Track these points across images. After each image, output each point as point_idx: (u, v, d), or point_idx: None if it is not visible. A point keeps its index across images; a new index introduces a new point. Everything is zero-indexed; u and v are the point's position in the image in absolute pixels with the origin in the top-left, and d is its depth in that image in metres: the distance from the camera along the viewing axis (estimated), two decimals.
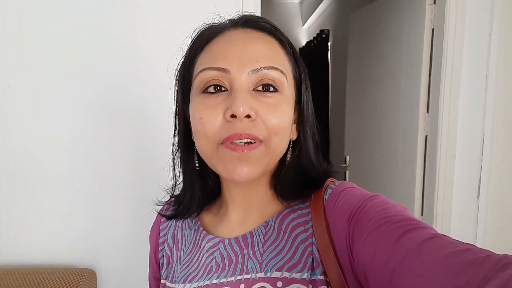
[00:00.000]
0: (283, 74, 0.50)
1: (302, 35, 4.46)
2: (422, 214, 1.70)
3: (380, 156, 2.06)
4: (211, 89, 0.49)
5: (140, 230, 1.39)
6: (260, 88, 0.49)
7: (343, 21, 2.93)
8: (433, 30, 1.60)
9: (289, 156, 0.55)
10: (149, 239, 0.66)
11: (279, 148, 0.51)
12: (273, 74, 0.49)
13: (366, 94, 2.21)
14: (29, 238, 1.34)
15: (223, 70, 0.48)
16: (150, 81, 1.33)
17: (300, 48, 4.40)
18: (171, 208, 0.62)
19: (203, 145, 0.50)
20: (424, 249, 0.37)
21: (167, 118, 1.34)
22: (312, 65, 3.83)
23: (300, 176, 0.55)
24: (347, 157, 2.38)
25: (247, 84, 0.48)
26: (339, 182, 0.54)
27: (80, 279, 1.26)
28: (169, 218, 0.61)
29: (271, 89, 0.50)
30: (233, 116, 0.46)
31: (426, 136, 1.68)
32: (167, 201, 0.64)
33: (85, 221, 1.37)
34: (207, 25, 0.55)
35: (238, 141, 0.47)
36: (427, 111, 1.67)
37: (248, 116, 0.47)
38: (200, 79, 0.50)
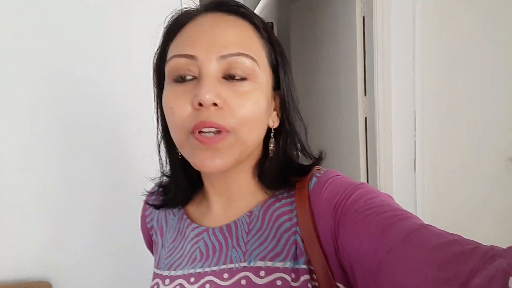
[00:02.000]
0: (254, 61, 0.48)
1: None
2: None
3: (327, 138, 2.16)
4: (180, 78, 0.48)
5: (99, 240, 1.37)
6: (228, 76, 0.47)
7: (285, 13, 3.02)
8: (364, 18, 1.71)
9: (271, 145, 0.54)
10: (140, 227, 0.67)
11: (250, 138, 0.49)
12: (243, 60, 0.47)
13: (310, 83, 2.31)
14: None
15: (191, 57, 0.47)
16: (107, 81, 1.31)
17: None
18: (160, 198, 0.61)
19: (175, 135, 0.50)
20: (411, 239, 0.36)
21: (130, 124, 1.31)
22: None
23: (286, 165, 0.54)
24: None
25: (215, 71, 0.47)
26: (324, 170, 0.53)
27: None
28: (157, 207, 0.61)
29: (239, 77, 0.47)
30: (200, 104, 0.45)
31: (365, 118, 1.79)
32: (152, 190, 0.64)
33: (40, 232, 1.31)
34: (179, 11, 0.53)
35: (207, 130, 0.46)
36: (365, 94, 1.78)
37: (215, 104, 0.45)
38: (169, 67, 0.49)
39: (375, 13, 1.62)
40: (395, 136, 1.69)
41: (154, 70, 0.55)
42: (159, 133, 0.57)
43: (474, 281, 0.30)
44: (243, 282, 0.48)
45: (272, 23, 3.57)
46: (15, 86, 1.25)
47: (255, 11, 3.93)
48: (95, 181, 1.35)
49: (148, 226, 0.65)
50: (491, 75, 1.68)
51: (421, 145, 1.71)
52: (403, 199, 1.71)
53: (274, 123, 0.54)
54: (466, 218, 1.69)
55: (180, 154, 0.54)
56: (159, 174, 0.61)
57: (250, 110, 0.47)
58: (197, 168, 0.48)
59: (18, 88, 1.25)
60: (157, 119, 0.57)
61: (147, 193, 0.65)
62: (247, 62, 0.48)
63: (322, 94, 2.17)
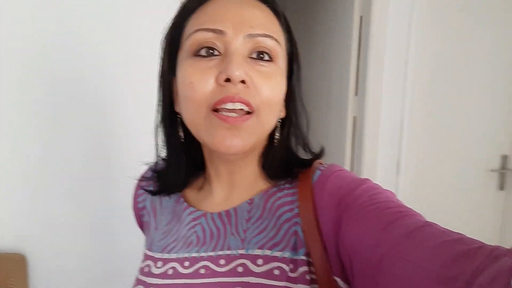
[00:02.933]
0: (279, 44, 0.49)
1: None
2: None
3: (314, 135, 2.16)
4: (203, 52, 0.46)
5: (76, 214, 1.34)
6: (254, 55, 0.47)
7: (282, 8, 3.01)
8: (361, 17, 1.72)
9: (277, 135, 0.53)
10: (131, 206, 0.65)
11: (268, 122, 0.49)
12: (269, 42, 0.47)
13: (303, 81, 2.31)
14: None
15: (219, 31, 0.46)
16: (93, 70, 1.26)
17: None
18: (156, 184, 0.59)
19: (191, 112, 0.47)
20: (415, 236, 0.36)
21: (115, 109, 1.27)
22: None
23: (290, 156, 0.54)
24: None
25: (243, 49, 0.46)
26: (328, 164, 0.53)
27: (7, 265, 1.18)
28: (153, 194, 0.59)
29: (266, 57, 0.47)
30: (227, 80, 0.44)
31: (354, 117, 1.81)
32: (146, 174, 0.62)
33: (16, 204, 1.27)
34: None
35: (232, 106, 0.44)
36: (356, 94, 1.80)
37: (243, 81, 0.44)
38: (193, 40, 0.47)
39: (373, 13, 1.63)
40: (382, 137, 1.72)
41: (166, 41, 0.53)
42: (160, 111, 0.55)
43: (478, 279, 0.30)
44: (240, 269, 0.47)
45: None
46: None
47: None
48: (76, 154, 1.31)
49: (139, 206, 0.63)
50: (480, 87, 1.73)
51: (406, 149, 1.74)
52: None
53: (281, 112, 0.53)
54: (445, 225, 1.72)
55: (182, 138, 0.53)
56: (153, 157, 0.58)
57: (274, 92, 0.47)
58: (213, 147, 0.47)
59: (4, 60, 1.20)
60: (161, 96, 0.54)
61: (141, 177, 0.64)
62: (273, 44, 0.48)
63: (313, 90, 2.18)
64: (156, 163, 0.60)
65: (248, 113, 0.46)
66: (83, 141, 1.32)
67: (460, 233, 0.36)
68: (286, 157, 0.54)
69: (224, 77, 0.44)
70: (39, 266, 1.31)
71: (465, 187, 1.77)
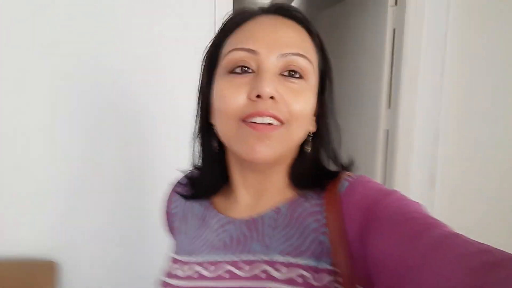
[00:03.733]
0: (310, 63, 0.51)
1: None
2: None
3: (344, 150, 2.14)
4: (238, 70, 0.50)
5: (108, 225, 1.37)
6: (286, 73, 0.50)
7: (313, 20, 3.01)
8: (394, 30, 1.69)
9: (309, 148, 0.55)
10: (163, 210, 0.68)
11: (297, 134, 0.51)
12: (301, 61, 0.50)
13: (334, 96, 2.28)
14: None
15: (252, 51, 0.49)
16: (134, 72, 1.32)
17: None
18: (190, 190, 0.62)
19: (223, 123, 0.50)
20: (442, 248, 0.36)
21: (151, 118, 1.32)
22: None
23: (318, 168, 0.56)
24: None
25: (274, 67, 0.49)
26: (357, 175, 0.54)
27: (38, 271, 1.21)
28: (186, 198, 0.62)
29: (297, 75, 0.50)
30: (258, 96, 0.47)
31: (386, 130, 1.77)
32: (181, 181, 0.65)
33: (50, 213, 1.32)
34: (240, 10, 0.55)
35: (261, 120, 0.47)
36: (389, 106, 1.76)
37: (272, 97, 0.47)
38: (228, 59, 0.50)
39: (407, 26, 1.60)
40: (416, 151, 1.66)
41: (206, 59, 0.57)
42: (198, 123, 0.58)
43: None
44: (263, 275, 0.48)
45: None
46: (41, 65, 1.27)
47: None
48: (110, 166, 1.35)
49: (173, 211, 0.66)
50: None
51: (441, 162, 1.67)
52: None
53: (312, 127, 0.55)
54: (484, 241, 1.63)
55: (217, 148, 0.56)
56: (189, 166, 0.62)
57: (303, 107, 0.49)
58: (244, 156, 0.49)
59: (44, 68, 1.27)
60: (198, 109, 0.58)
61: (176, 183, 0.67)
62: (304, 63, 0.50)
63: (344, 103, 2.15)
64: (192, 170, 0.63)
65: (277, 125, 0.48)
66: (118, 152, 1.36)
67: (488, 245, 0.36)
68: (315, 169, 0.55)
69: (255, 93, 0.47)
70: (70, 274, 1.34)
71: (508, 201, 1.68)
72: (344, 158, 0.56)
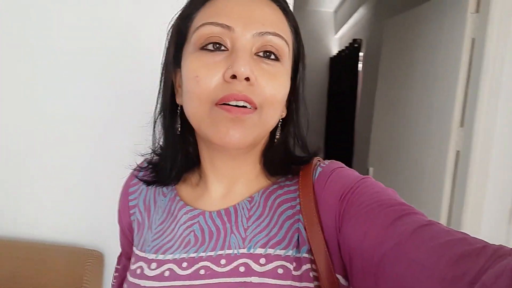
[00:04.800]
0: (287, 44, 0.48)
1: (334, 44, 4.40)
2: None
3: (406, 170, 1.96)
4: (210, 47, 0.46)
5: None
6: (261, 53, 0.47)
7: (377, 30, 2.86)
8: (473, 40, 1.51)
9: (278, 134, 0.54)
10: (118, 202, 0.63)
11: (270, 120, 0.48)
12: (277, 41, 0.47)
13: (396, 105, 2.12)
14: (38, 214, 1.34)
15: (227, 27, 0.45)
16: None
17: (330, 58, 4.33)
18: (151, 175, 0.58)
19: (194, 106, 0.46)
20: (419, 235, 0.36)
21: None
22: (342, 74, 3.76)
23: (290, 154, 0.54)
24: (370, 169, 2.30)
25: (250, 46, 0.46)
26: (328, 161, 0.53)
27: (87, 259, 1.24)
28: (148, 183, 0.57)
29: (273, 56, 0.47)
30: (233, 77, 0.44)
31: (458, 151, 1.58)
32: (142, 165, 0.60)
33: (97, 204, 1.35)
34: None
35: (235, 103, 0.44)
36: (461, 125, 1.57)
37: (247, 79, 0.44)
38: (199, 34, 0.46)
39: (489, 36, 1.41)
40: (492, 178, 1.46)
41: (173, 32, 0.52)
42: (161, 102, 0.54)
43: (482, 279, 0.29)
44: (242, 269, 0.46)
45: (360, 39, 3.43)
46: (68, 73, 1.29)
47: (343, 27, 3.82)
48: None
49: (130, 204, 0.60)
50: None
51: None
52: None
53: (283, 113, 0.53)
54: None
55: (178, 130, 0.53)
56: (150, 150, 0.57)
57: (278, 91, 0.47)
58: (216, 141, 0.45)
59: (77, 83, 1.29)
60: (163, 87, 0.53)
61: (136, 167, 0.61)
62: (281, 43, 0.47)
63: (408, 118, 1.97)
64: (153, 154, 0.58)
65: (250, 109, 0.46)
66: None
67: (464, 233, 0.36)
68: (285, 155, 0.54)
69: (230, 73, 0.44)
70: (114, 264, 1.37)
71: None
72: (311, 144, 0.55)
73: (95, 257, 1.27)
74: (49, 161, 1.32)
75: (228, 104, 0.44)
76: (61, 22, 1.26)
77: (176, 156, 0.54)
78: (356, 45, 3.44)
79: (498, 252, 0.31)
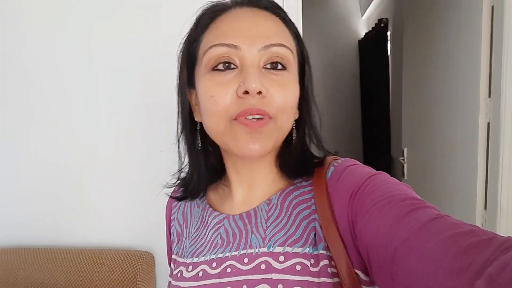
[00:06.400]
0: (291, 52, 0.51)
1: (361, 27, 4.31)
2: (485, 208, 1.56)
3: (439, 147, 1.93)
4: (221, 67, 0.50)
5: None
6: (269, 66, 0.50)
7: (400, 7, 2.79)
8: (492, 7, 1.46)
9: (294, 135, 0.56)
10: (164, 218, 0.71)
11: (286, 125, 0.52)
12: (282, 51, 0.50)
13: (423, 82, 2.08)
14: (93, 221, 1.48)
15: (234, 46, 0.48)
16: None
17: (359, 40, 4.26)
18: (180, 190, 0.65)
19: (214, 123, 0.50)
20: (428, 229, 0.36)
21: None
22: (372, 56, 3.69)
23: (305, 154, 0.57)
24: (405, 150, 2.27)
25: (258, 60, 0.49)
26: (342, 159, 0.55)
27: (139, 260, 1.36)
28: (179, 199, 0.65)
29: (280, 66, 0.50)
30: (245, 92, 0.47)
31: (488, 123, 1.54)
32: (175, 183, 0.66)
33: (145, 206, 1.46)
34: (211, 3, 0.55)
35: (251, 117, 0.48)
36: (489, 96, 1.53)
37: (259, 92, 0.47)
38: (209, 56, 0.50)
39: (507, 2, 1.37)
40: None
41: (183, 56, 0.56)
42: (181, 121, 0.59)
43: (488, 270, 0.30)
44: (263, 266, 0.50)
45: (387, 18, 3.35)
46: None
47: (369, 7, 3.74)
48: None
49: (171, 217, 0.68)
50: None
51: None
52: None
53: (296, 114, 0.56)
54: None
55: (199, 145, 0.58)
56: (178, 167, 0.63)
57: (289, 99, 0.50)
58: (237, 152, 0.50)
59: (122, 93, 1.41)
60: (180, 107, 0.58)
61: (170, 186, 0.68)
62: (286, 52, 0.50)
63: (436, 94, 1.94)
64: (181, 171, 0.64)
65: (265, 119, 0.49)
66: None
67: (473, 225, 0.36)
68: (302, 156, 0.56)
69: (242, 89, 0.47)
70: (165, 265, 1.47)
71: None
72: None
73: (146, 258, 1.38)
74: (101, 174, 1.46)
75: (246, 118, 0.48)
76: (101, 38, 1.39)
77: (200, 169, 0.59)
78: (382, 25, 3.37)
79: (505, 244, 0.32)
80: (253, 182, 0.57)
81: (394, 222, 0.39)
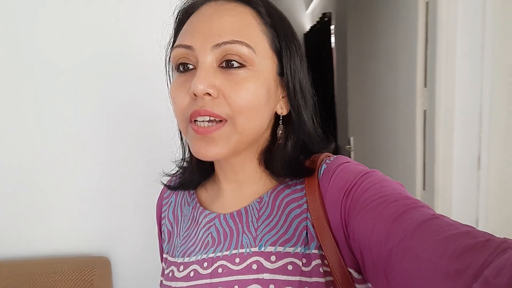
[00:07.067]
0: (250, 48, 0.47)
1: (306, 20, 4.43)
2: (424, 189, 1.70)
3: (382, 134, 2.06)
4: (181, 68, 0.50)
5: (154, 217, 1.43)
6: (224, 64, 0.47)
7: (344, 1, 2.92)
8: (427, 3, 1.59)
9: (280, 132, 0.54)
10: (155, 214, 0.70)
11: (248, 127, 0.48)
12: (238, 48, 0.47)
13: (366, 74, 2.21)
14: (42, 230, 1.38)
15: (188, 47, 0.48)
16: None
17: (304, 34, 4.38)
18: (178, 179, 0.64)
19: (179, 124, 0.52)
20: (423, 230, 0.36)
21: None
22: (317, 49, 3.82)
23: (294, 152, 0.54)
24: (351, 138, 2.40)
25: (210, 60, 0.47)
26: (334, 156, 0.53)
27: (94, 266, 1.30)
28: (173, 188, 0.63)
29: (236, 64, 0.47)
30: (194, 94, 0.46)
31: (424, 111, 1.68)
32: (175, 173, 0.65)
33: (99, 210, 1.40)
34: (186, 2, 0.54)
35: (201, 119, 0.47)
36: (425, 86, 1.66)
37: (208, 94, 0.46)
38: (172, 57, 0.51)
39: None
40: (457, 132, 1.56)
41: (167, 59, 0.57)
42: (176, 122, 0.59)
43: (485, 272, 0.29)
44: (254, 266, 0.49)
45: (330, 12, 3.48)
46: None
47: (314, 1, 3.84)
48: (155, 160, 1.41)
49: (162, 215, 0.67)
50: None
51: (487, 142, 1.55)
52: (462, 200, 1.58)
53: (283, 110, 0.54)
54: None
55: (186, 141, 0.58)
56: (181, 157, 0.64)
57: (246, 99, 0.47)
58: (195, 156, 0.49)
59: (78, 88, 1.34)
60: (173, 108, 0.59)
61: (168, 175, 0.67)
62: (242, 49, 0.47)
63: (378, 85, 2.06)
64: (182, 161, 0.64)
65: (221, 121, 0.47)
66: (163, 148, 1.41)
67: (469, 226, 0.35)
68: (291, 154, 0.53)
69: (191, 92, 0.46)
70: (122, 269, 1.41)
71: None
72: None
73: (102, 263, 1.32)
74: (52, 179, 1.36)
75: (196, 121, 0.47)
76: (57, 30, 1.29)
77: (193, 164, 0.60)
78: (326, 19, 3.49)
79: (502, 246, 0.31)
80: (239, 181, 0.56)
81: (389, 221, 0.39)
